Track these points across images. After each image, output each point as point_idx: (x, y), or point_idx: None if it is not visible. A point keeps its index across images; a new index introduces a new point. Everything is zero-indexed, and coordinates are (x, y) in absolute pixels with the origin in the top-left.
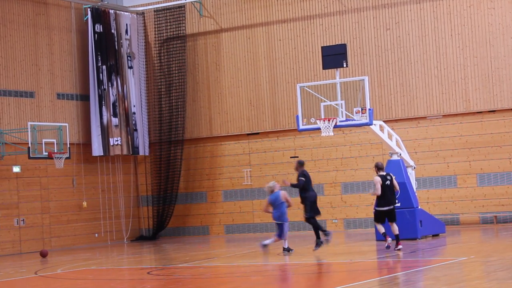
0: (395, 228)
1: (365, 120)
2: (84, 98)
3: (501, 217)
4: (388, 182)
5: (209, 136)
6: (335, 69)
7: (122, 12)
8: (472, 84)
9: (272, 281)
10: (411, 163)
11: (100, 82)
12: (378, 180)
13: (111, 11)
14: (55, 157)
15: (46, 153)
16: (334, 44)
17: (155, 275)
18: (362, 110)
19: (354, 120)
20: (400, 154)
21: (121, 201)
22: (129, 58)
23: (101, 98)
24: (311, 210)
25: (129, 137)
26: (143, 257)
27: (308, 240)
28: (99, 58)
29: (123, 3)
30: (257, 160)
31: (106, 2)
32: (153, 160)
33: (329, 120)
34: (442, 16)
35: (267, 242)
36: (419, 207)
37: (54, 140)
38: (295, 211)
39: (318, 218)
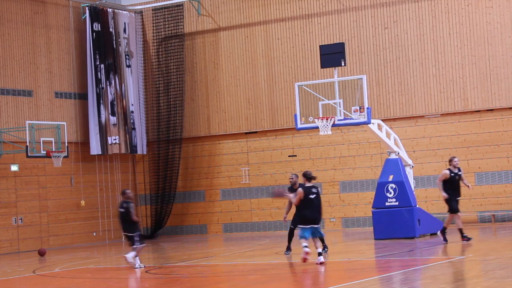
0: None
1: (363, 119)
2: (82, 96)
3: (499, 216)
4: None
5: (207, 135)
6: (333, 67)
7: (120, 11)
8: (470, 83)
9: (270, 280)
10: (409, 162)
11: (98, 81)
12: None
13: (109, 10)
14: (53, 156)
15: (44, 152)
16: (332, 42)
17: (153, 274)
18: (360, 109)
19: (352, 119)
20: (398, 153)
21: (119, 200)
22: (127, 56)
23: (99, 97)
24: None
25: (127, 135)
26: (141, 255)
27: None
28: (97, 56)
29: (121, 2)
30: (255, 159)
31: (104, 1)
32: (151, 159)
33: (327, 119)
34: (440, 14)
35: None
36: (417, 206)
37: (52, 139)
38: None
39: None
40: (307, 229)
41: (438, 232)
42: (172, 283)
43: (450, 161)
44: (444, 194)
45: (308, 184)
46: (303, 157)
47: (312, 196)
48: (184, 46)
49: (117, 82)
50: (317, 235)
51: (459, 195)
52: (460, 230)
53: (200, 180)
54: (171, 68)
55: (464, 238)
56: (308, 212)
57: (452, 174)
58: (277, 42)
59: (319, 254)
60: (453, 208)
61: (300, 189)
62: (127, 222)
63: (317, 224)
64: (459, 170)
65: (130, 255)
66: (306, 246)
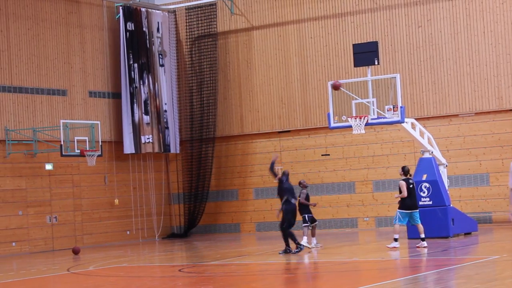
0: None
1: (396, 117)
2: (116, 96)
3: None
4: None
5: (240, 134)
6: (366, 66)
7: (154, 10)
8: (505, 82)
9: (304, 278)
10: (443, 161)
11: (131, 80)
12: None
13: (143, 9)
14: (87, 155)
15: (78, 151)
16: (365, 41)
17: (187, 273)
18: (393, 107)
19: (386, 117)
20: (432, 152)
21: (152, 199)
22: (160, 56)
23: (133, 96)
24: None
25: (161, 135)
26: (175, 254)
27: (340, 238)
28: (131, 56)
29: (155, 1)
30: (288, 158)
31: (138, 1)
32: (184, 158)
33: (360, 118)
34: (474, 13)
35: None
36: (451, 205)
37: (86, 138)
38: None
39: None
40: (406, 214)
41: None
42: (205, 281)
43: None
44: None
45: (404, 177)
46: (336, 156)
47: (411, 186)
48: (217, 45)
49: (151, 81)
50: (416, 222)
51: None
52: None
53: (233, 179)
54: (204, 67)
55: None
56: (408, 199)
57: None
58: (310, 41)
59: (422, 239)
60: None
61: (402, 182)
62: (300, 207)
63: (416, 209)
64: None
65: (304, 240)
66: (396, 240)
